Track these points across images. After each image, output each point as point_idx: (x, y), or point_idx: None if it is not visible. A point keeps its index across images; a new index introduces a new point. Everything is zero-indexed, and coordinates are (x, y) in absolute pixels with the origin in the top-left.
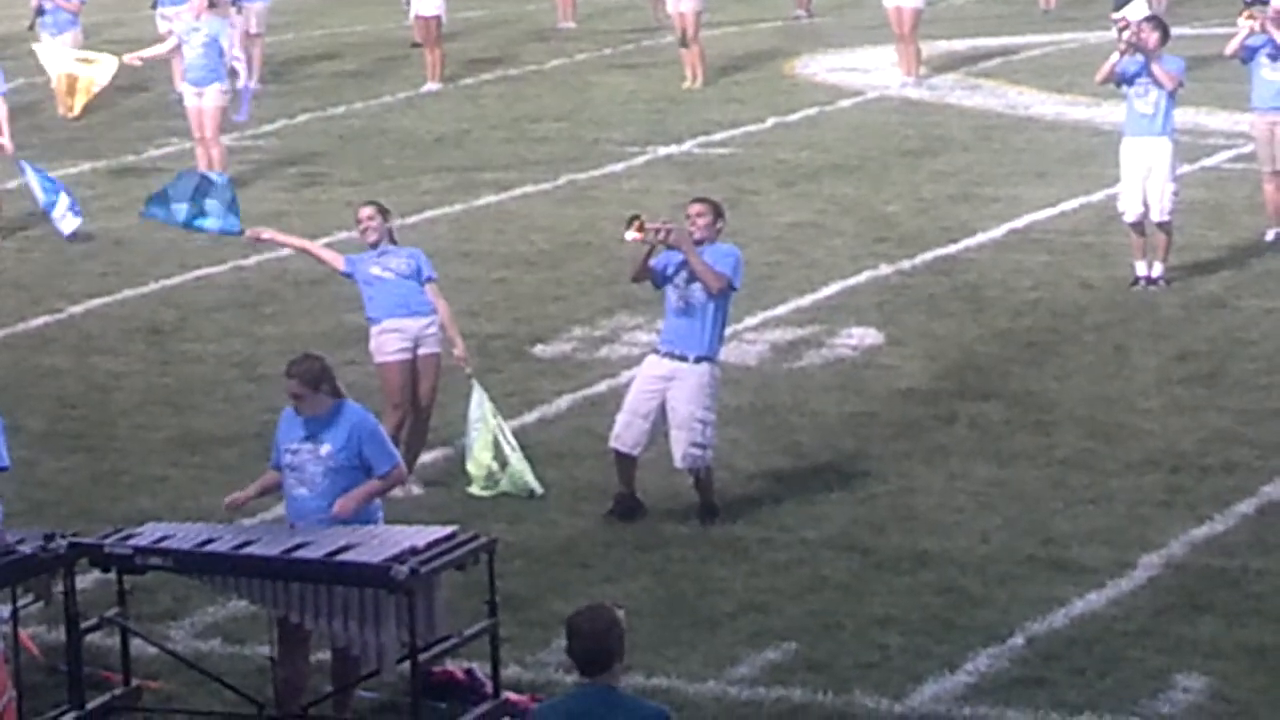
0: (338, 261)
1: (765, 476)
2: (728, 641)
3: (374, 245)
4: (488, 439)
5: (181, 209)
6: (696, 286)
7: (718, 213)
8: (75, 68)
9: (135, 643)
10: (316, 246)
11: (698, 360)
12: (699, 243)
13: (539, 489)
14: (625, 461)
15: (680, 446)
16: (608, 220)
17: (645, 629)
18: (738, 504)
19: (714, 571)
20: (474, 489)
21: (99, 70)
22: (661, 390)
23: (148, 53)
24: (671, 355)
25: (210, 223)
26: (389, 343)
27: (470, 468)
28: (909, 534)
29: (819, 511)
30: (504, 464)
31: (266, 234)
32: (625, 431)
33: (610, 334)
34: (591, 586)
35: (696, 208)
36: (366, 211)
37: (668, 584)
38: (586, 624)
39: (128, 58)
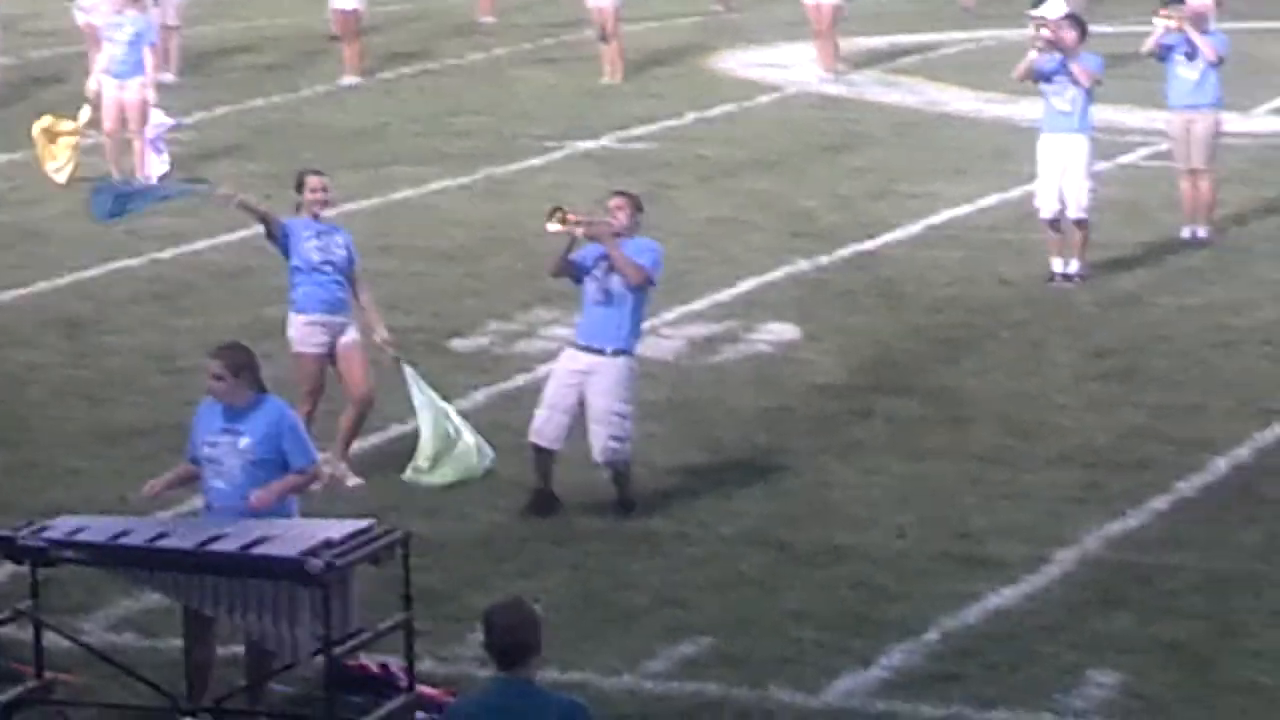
0: (276, 226)
1: (682, 471)
2: (643, 636)
3: (315, 217)
4: (432, 420)
5: (135, 199)
6: (616, 279)
7: (637, 206)
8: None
9: (48, 636)
10: (271, 212)
11: (615, 353)
12: (618, 235)
13: (489, 463)
14: (543, 456)
15: (599, 441)
16: (526, 215)
17: (561, 623)
18: (654, 498)
19: (629, 566)
20: (422, 477)
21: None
22: (579, 384)
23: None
24: (589, 349)
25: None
26: (312, 334)
27: (419, 457)
28: (824, 529)
29: (735, 506)
30: (451, 448)
31: (239, 197)
32: (544, 426)
33: (527, 329)
34: (508, 581)
35: (616, 200)
36: (319, 181)
37: (584, 579)
38: (503, 618)
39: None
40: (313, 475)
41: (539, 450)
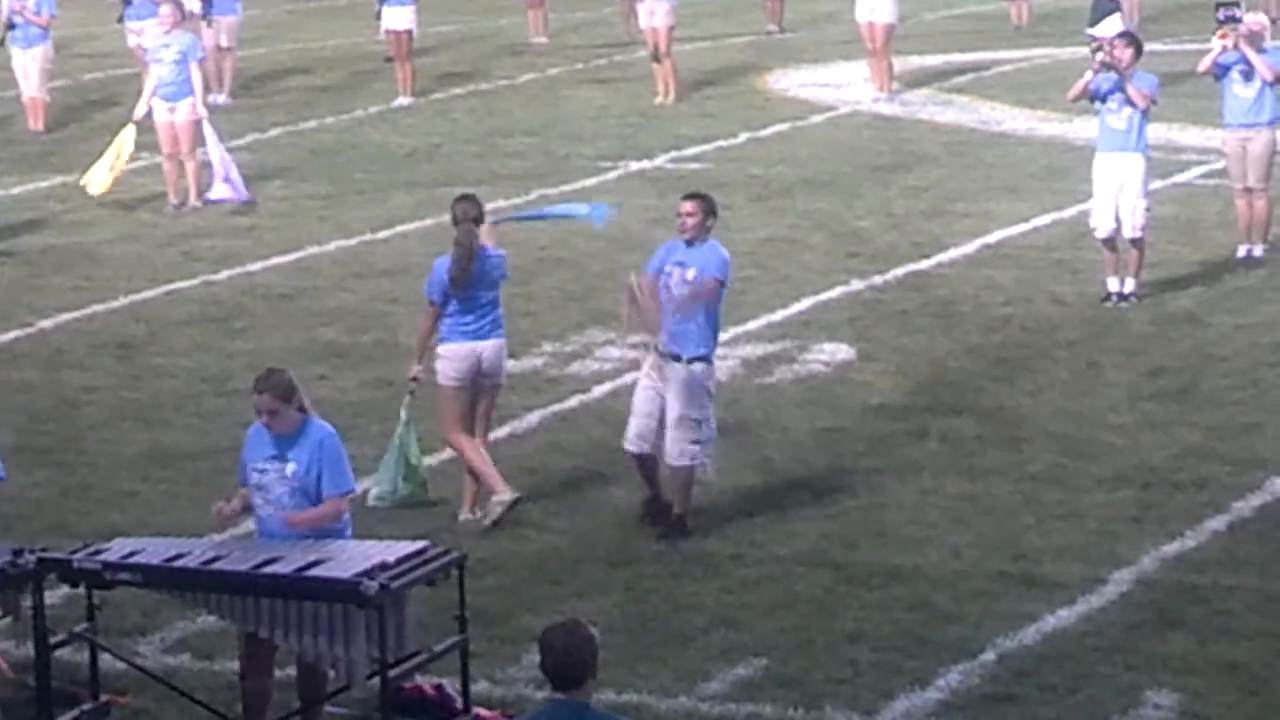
0: None
1: (736, 492)
2: (699, 657)
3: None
4: (397, 451)
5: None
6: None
7: (709, 210)
8: (113, 161)
9: (104, 658)
10: None
11: (690, 360)
12: (690, 243)
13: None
14: (644, 462)
15: (675, 445)
16: (579, 236)
17: (617, 645)
18: (709, 519)
19: (685, 587)
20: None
21: (124, 145)
22: (661, 388)
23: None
24: (668, 355)
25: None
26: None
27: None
28: (880, 549)
29: (790, 527)
30: (406, 476)
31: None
32: (633, 432)
33: (581, 349)
34: (562, 602)
35: (688, 205)
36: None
37: (639, 600)
38: (560, 640)
39: (138, 115)
40: (338, 507)
41: (638, 458)
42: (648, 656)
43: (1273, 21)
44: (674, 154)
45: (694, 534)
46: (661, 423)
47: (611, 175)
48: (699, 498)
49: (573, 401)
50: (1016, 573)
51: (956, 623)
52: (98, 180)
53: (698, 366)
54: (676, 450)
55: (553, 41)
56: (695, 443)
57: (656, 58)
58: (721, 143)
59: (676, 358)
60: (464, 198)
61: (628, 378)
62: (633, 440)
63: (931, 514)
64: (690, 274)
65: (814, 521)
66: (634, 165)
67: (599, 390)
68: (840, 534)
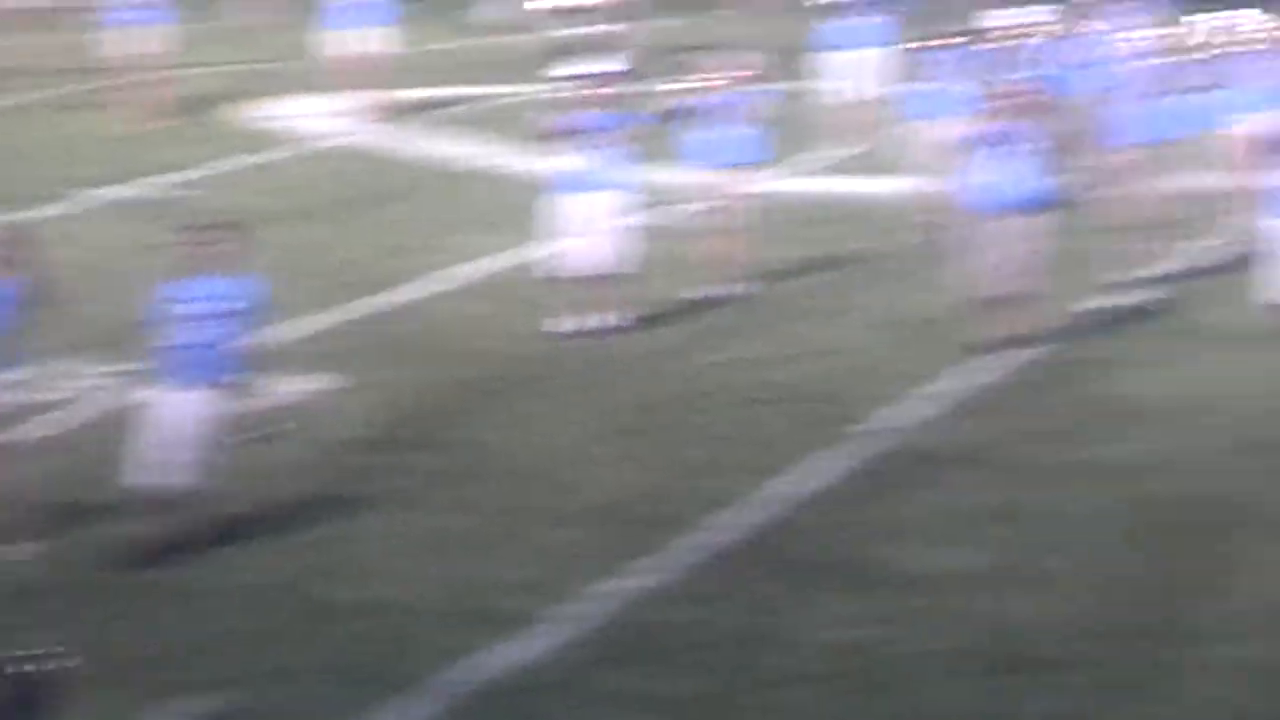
0: None
1: (213, 522)
2: (176, 687)
3: None
4: None
5: None
6: None
7: (214, 239)
8: None
9: None
10: None
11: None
12: (199, 273)
13: None
14: (155, 491)
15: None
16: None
17: (87, 674)
18: (188, 549)
19: (162, 617)
20: None
21: None
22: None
23: None
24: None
25: None
26: None
27: None
28: (349, 581)
29: (263, 559)
30: None
31: None
32: (151, 460)
33: (48, 378)
34: (28, 633)
35: (191, 235)
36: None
37: (107, 629)
38: (21, 670)
39: None
40: None
41: (150, 488)
42: (124, 684)
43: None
44: (154, 180)
45: (169, 564)
46: (180, 449)
47: (80, 201)
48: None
49: (41, 429)
50: (478, 606)
51: (420, 655)
52: None
53: (222, 392)
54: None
55: (26, 64)
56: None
57: (135, 84)
58: (202, 171)
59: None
60: None
61: (89, 408)
62: (147, 469)
63: (401, 546)
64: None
65: (289, 552)
66: (107, 192)
67: (65, 418)
68: (314, 565)
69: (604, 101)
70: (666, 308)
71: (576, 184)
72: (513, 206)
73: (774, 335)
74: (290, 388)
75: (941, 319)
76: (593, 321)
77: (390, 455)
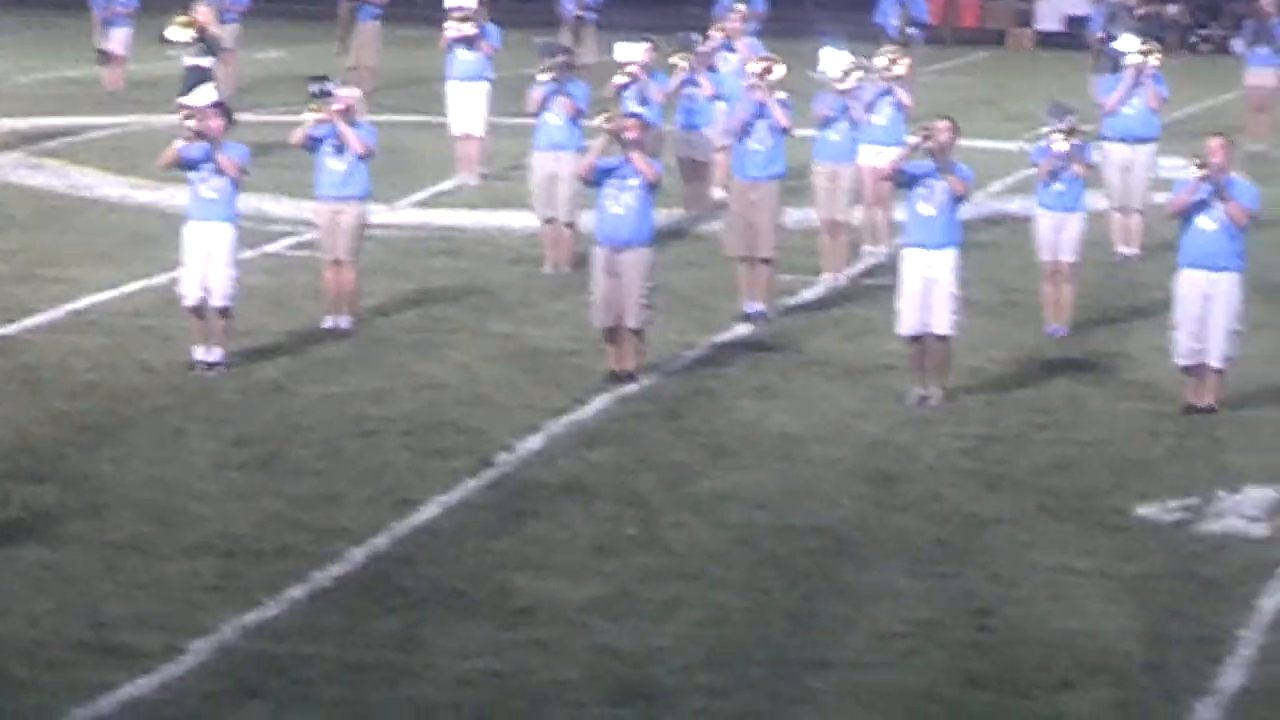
0: None
1: None
2: None
3: None
4: None
5: None
6: None
7: None
8: None
9: None
10: None
11: None
12: None
13: None
14: None
15: None
16: None
17: None
18: None
19: None
20: None
21: None
22: None
23: None
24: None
25: None
26: None
27: None
28: None
29: None
30: None
31: None
32: None
33: None
34: None
35: None
36: None
37: None
38: None
39: None
40: None
41: None
42: None
43: (366, 95)
44: None
45: None
46: None
47: None
48: None
49: None
50: (96, 642)
51: (34, 692)
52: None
53: None
54: None
55: None
56: None
57: None
58: None
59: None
60: None
61: None
62: None
63: (11, 581)
64: None
65: None
66: None
67: None
68: None
69: (217, 133)
70: (280, 340)
71: (191, 215)
72: (120, 239)
73: (386, 368)
74: None
75: (557, 351)
76: (209, 354)
77: (5, 489)
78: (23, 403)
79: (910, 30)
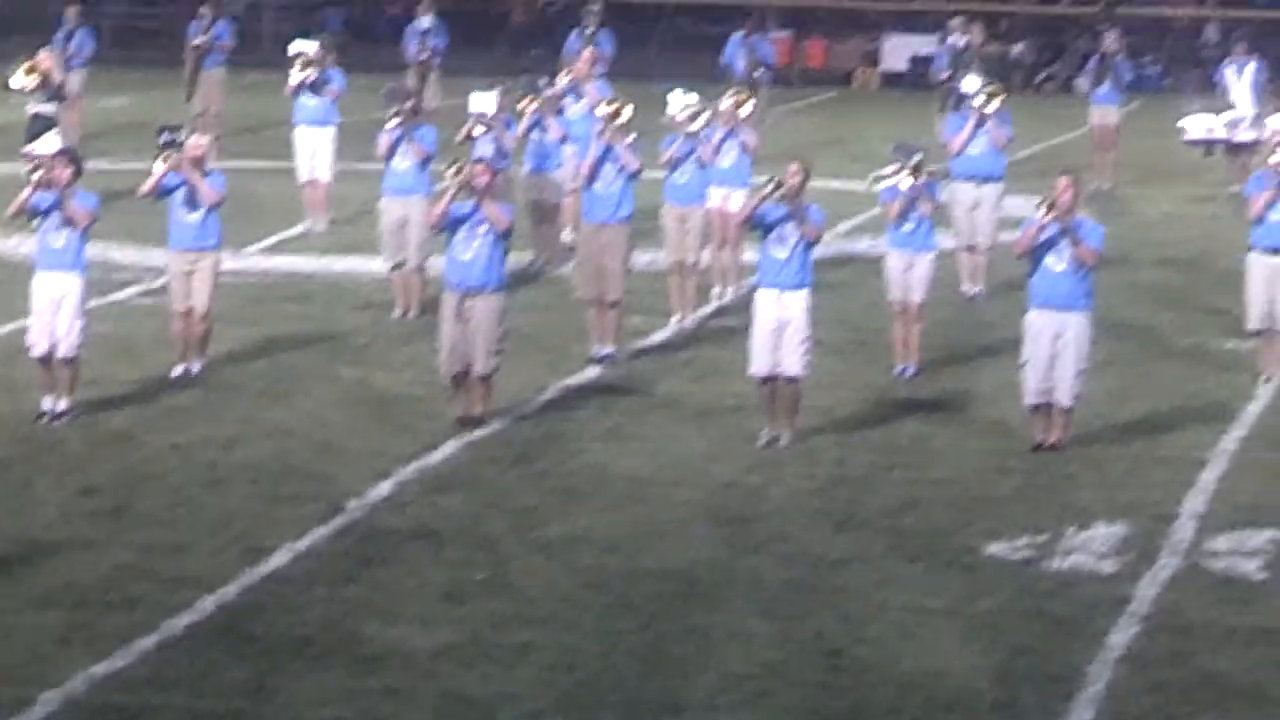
0: None
1: None
2: None
3: None
4: None
5: None
6: None
7: None
8: None
9: None
10: None
11: None
12: None
13: None
14: None
15: None
16: None
17: None
18: None
19: None
20: None
21: None
22: None
23: None
24: None
25: None
26: None
27: None
28: None
29: None
30: None
31: None
32: None
33: None
34: None
35: None
36: None
37: None
38: None
39: None
40: None
41: None
42: None
43: (216, 139)
44: None
45: None
46: None
47: None
48: None
49: None
50: None
51: None
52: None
53: None
54: None
55: None
56: None
57: None
58: None
59: None
60: None
61: None
62: None
63: None
64: None
65: None
66: None
67: None
68: None
69: (65, 181)
70: (127, 389)
71: (38, 264)
72: None
73: (235, 415)
74: None
75: (407, 396)
76: (56, 404)
77: None
78: None
79: (757, 72)
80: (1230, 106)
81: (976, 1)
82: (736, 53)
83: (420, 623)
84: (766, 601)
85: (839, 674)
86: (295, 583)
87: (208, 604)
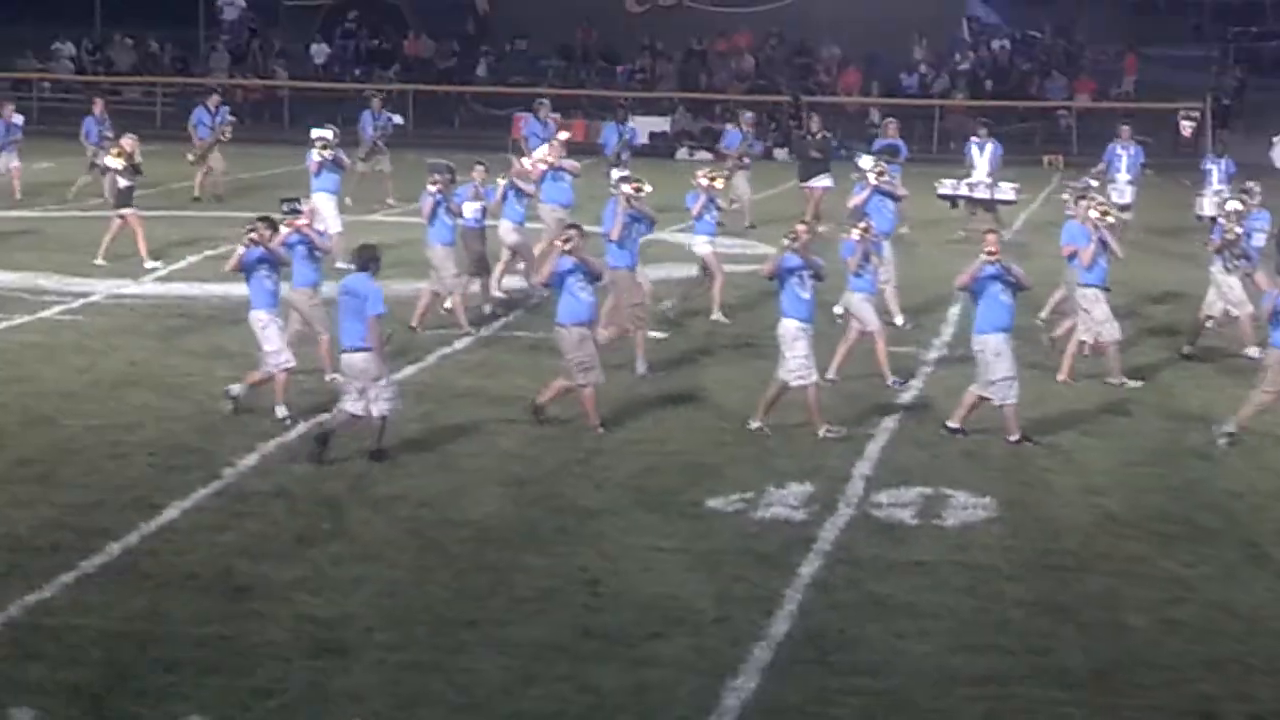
0: None
1: None
2: None
3: None
4: None
5: None
6: None
7: None
8: None
9: None
10: None
11: None
12: None
13: None
14: None
15: None
16: None
17: None
18: None
19: None
20: None
21: None
22: None
23: None
24: None
25: None
26: None
27: None
28: None
29: None
30: None
31: None
32: None
33: None
34: None
35: None
36: None
37: None
38: None
39: None
40: None
41: None
42: None
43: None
44: None
45: None
46: None
47: None
48: None
49: None
50: None
51: None
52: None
53: None
54: None
55: None
56: None
57: None
58: None
59: None
60: None
61: None
62: None
63: None
64: None
65: None
66: None
67: None
68: None
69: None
70: (53, 384)
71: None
72: None
73: (138, 404)
74: None
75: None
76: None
77: None
78: None
79: (624, 153)
80: (971, 171)
81: (699, 93)
82: (611, 136)
83: (278, 561)
84: (542, 543)
85: (598, 598)
86: (182, 532)
87: (114, 549)
